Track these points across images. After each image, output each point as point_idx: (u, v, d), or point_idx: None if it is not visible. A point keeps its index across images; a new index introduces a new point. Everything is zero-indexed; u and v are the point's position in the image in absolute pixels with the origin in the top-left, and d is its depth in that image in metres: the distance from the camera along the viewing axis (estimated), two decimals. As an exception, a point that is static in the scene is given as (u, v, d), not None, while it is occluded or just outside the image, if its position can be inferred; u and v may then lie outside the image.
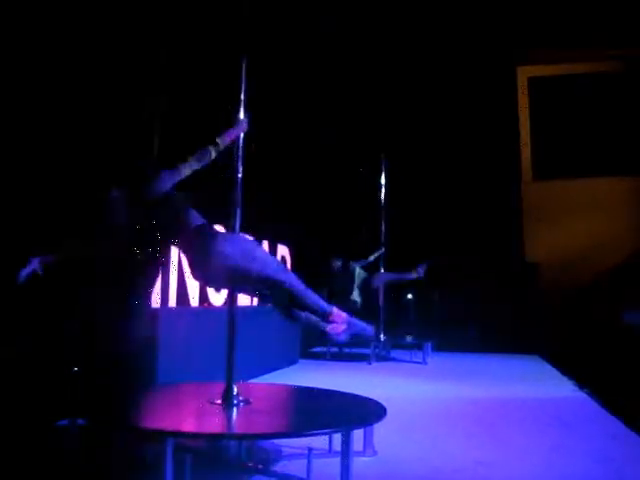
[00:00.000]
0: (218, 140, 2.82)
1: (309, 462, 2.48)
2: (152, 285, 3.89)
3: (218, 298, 4.57)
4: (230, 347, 2.88)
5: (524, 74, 9.41)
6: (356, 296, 7.07)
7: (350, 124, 8.28)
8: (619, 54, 8.92)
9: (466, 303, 8.29)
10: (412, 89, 8.57)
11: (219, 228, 3.02)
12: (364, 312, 7.01)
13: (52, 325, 3.31)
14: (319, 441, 2.76)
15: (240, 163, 3.02)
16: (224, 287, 3.40)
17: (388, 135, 8.25)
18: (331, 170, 8.06)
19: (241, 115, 3.04)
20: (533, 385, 5.29)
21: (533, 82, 9.41)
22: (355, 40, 7.36)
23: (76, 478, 2.59)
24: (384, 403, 2.90)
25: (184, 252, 2.82)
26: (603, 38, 8.51)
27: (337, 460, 2.45)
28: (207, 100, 4.53)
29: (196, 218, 2.73)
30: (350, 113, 8.22)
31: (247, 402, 2.83)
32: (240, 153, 3.02)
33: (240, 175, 3.02)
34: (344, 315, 2.80)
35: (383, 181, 7.51)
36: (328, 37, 6.87)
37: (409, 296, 8.44)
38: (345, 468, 2.37)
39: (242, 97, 3.08)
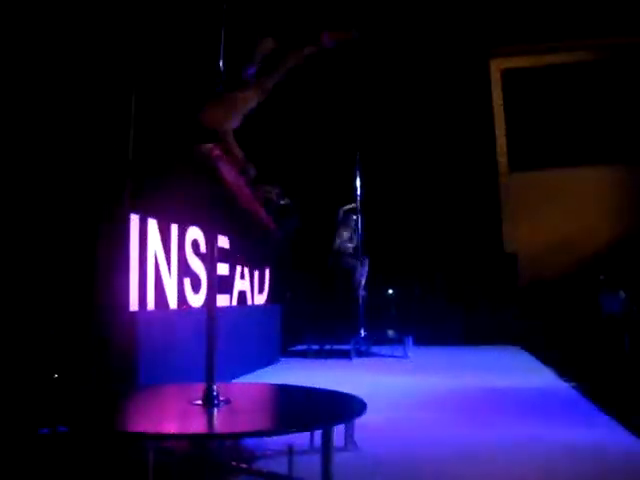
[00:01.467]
0: None
1: (290, 459, 2.49)
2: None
3: (196, 300, 4.54)
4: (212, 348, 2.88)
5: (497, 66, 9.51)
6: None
7: (323, 122, 8.30)
8: (591, 44, 9.05)
9: (447, 296, 8.36)
10: (387, 86, 8.62)
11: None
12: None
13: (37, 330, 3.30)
14: (302, 437, 2.77)
15: None
16: None
17: (362, 132, 8.26)
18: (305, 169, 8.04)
19: None
20: (515, 375, 5.34)
21: (507, 74, 9.51)
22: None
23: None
24: (365, 398, 2.92)
25: None
26: (575, 29, 8.62)
27: (319, 456, 2.46)
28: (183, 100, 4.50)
29: None
30: (322, 110, 8.23)
31: (227, 402, 2.83)
32: None
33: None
34: None
35: (358, 181, 7.44)
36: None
37: (390, 291, 8.48)
38: (325, 464, 2.38)
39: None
